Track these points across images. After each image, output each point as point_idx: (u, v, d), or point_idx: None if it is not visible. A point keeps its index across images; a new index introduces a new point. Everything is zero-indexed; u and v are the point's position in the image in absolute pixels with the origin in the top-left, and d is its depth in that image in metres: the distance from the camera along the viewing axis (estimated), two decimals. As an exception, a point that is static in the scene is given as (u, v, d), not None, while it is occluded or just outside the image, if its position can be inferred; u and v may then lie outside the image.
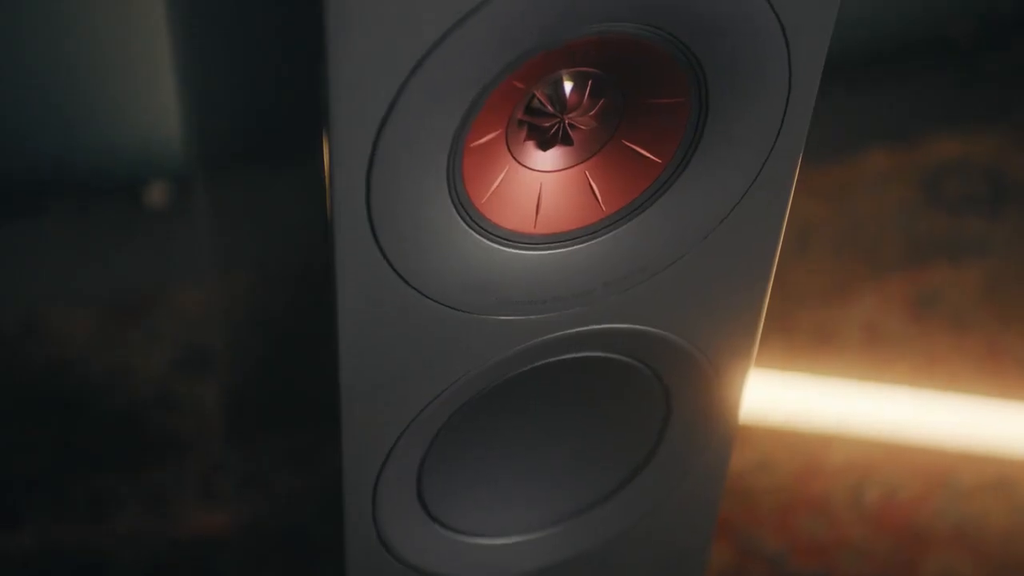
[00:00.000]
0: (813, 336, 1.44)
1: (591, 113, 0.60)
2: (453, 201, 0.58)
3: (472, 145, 0.58)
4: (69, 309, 1.39)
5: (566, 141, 0.60)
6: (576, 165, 0.61)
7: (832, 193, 1.57)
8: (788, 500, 1.30)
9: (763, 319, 0.73)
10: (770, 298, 0.72)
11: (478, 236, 0.60)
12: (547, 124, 0.59)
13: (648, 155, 0.61)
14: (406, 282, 0.60)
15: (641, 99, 0.60)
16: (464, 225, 0.59)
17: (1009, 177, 1.62)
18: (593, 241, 0.63)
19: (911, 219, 1.56)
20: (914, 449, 1.35)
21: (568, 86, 0.59)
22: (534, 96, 0.58)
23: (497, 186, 0.60)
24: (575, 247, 0.63)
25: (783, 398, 1.39)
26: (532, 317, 0.64)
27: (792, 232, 1.50)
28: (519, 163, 0.60)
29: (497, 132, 0.58)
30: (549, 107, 0.59)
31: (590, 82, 0.59)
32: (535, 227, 0.62)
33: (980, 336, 1.45)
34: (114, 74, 1.43)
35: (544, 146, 0.61)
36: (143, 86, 1.44)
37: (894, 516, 1.29)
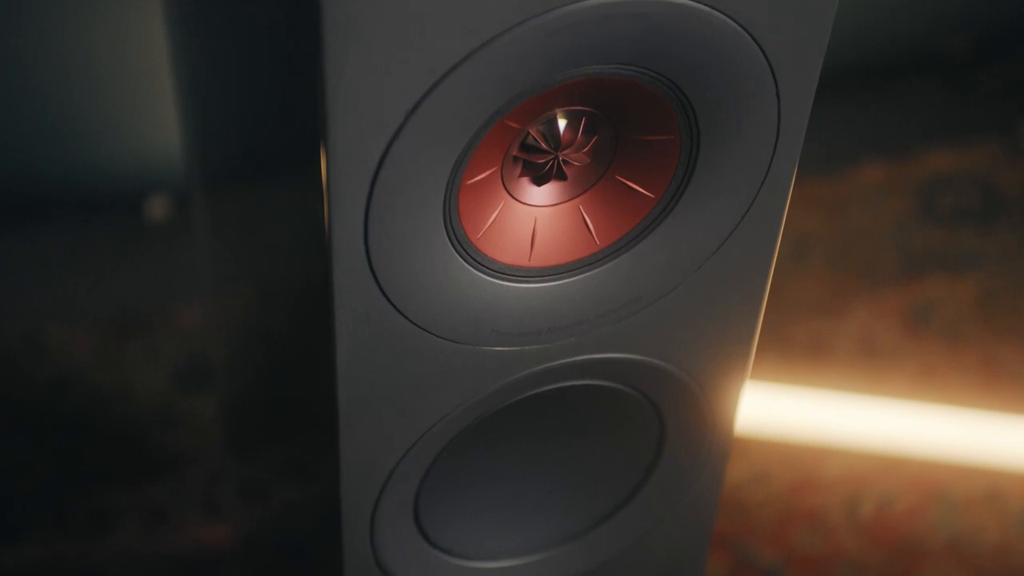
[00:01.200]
0: (808, 349, 1.45)
1: (584, 150, 0.61)
2: (449, 237, 0.60)
3: (468, 183, 0.59)
4: (70, 324, 1.40)
5: (560, 177, 0.62)
6: (570, 200, 0.63)
7: (828, 206, 1.58)
8: (784, 512, 1.31)
9: (755, 344, 0.74)
10: (765, 310, 0.73)
11: (474, 270, 0.61)
12: (541, 161, 0.60)
13: (641, 190, 0.62)
14: (403, 315, 0.61)
15: (633, 136, 0.61)
16: (460, 260, 0.61)
17: (1003, 190, 1.63)
18: (587, 274, 0.64)
19: (906, 232, 1.57)
20: (909, 462, 1.36)
21: (562, 124, 0.60)
22: (528, 134, 0.60)
23: (493, 221, 0.61)
24: (569, 279, 0.64)
25: (779, 411, 1.40)
26: (527, 348, 0.65)
27: (788, 244, 1.51)
28: (514, 198, 0.61)
29: (492, 169, 0.59)
30: (543, 144, 0.60)
31: (583, 120, 0.60)
32: (530, 260, 0.63)
33: (974, 349, 1.45)
34: (115, 90, 1.43)
35: (539, 182, 0.62)
36: (144, 103, 1.44)
37: (889, 529, 1.30)
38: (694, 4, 0.55)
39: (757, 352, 0.74)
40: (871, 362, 1.44)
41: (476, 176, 0.59)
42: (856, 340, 1.46)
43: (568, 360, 0.66)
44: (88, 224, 1.49)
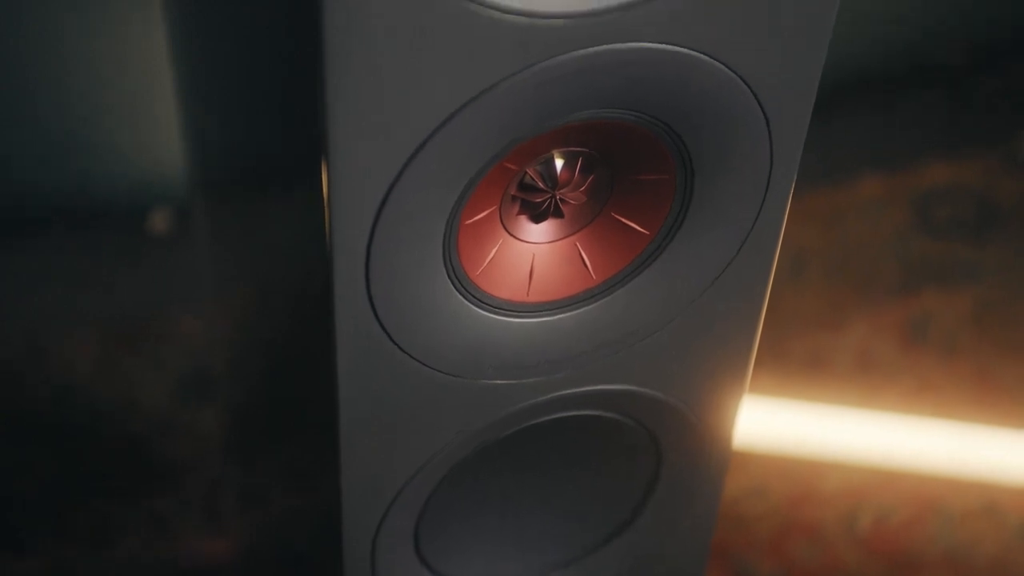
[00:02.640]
0: (807, 362, 1.46)
1: (581, 189, 0.62)
2: (449, 275, 0.61)
3: (467, 222, 0.60)
4: (71, 335, 1.40)
5: (557, 214, 0.63)
6: (567, 236, 0.64)
7: (825, 218, 1.59)
8: (783, 526, 1.32)
9: (751, 370, 0.76)
10: (763, 324, 0.74)
11: (473, 306, 0.62)
12: (539, 199, 0.62)
13: (636, 227, 0.63)
14: (404, 351, 0.62)
15: (629, 175, 0.62)
16: (459, 296, 0.62)
17: (999, 202, 1.63)
18: (584, 308, 0.65)
19: (903, 245, 1.58)
20: (906, 475, 1.36)
21: (559, 164, 0.61)
22: (526, 174, 0.61)
23: (491, 258, 0.62)
24: (566, 314, 0.65)
25: (777, 424, 1.41)
26: (524, 380, 0.66)
27: (786, 258, 1.51)
28: (512, 236, 0.63)
29: (491, 209, 0.61)
30: (541, 184, 0.61)
31: (580, 160, 0.61)
32: (528, 296, 0.64)
33: (971, 362, 1.46)
34: (117, 102, 1.44)
35: (536, 219, 0.63)
36: (146, 115, 1.45)
37: (887, 541, 1.31)
38: (688, 51, 0.56)
39: (755, 366, 0.76)
40: (869, 376, 1.45)
41: (475, 216, 0.60)
42: (854, 354, 1.47)
43: (565, 392, 0.68)
44: (90, 234, 1.50)
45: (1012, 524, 1.32)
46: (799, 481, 1.35)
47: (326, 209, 0.57)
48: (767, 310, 0.73)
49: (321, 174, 0.56)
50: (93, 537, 1.26)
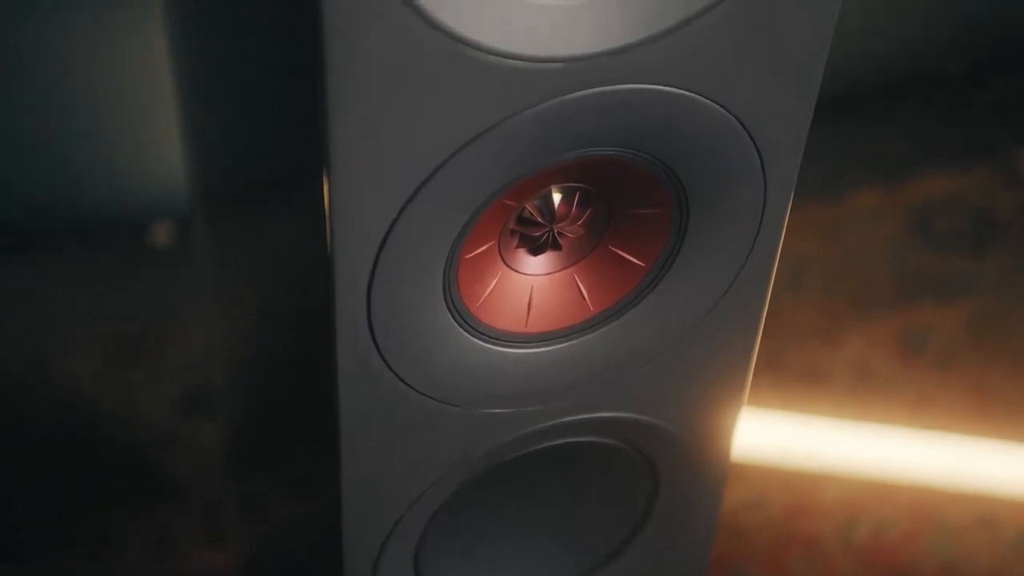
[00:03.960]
0: (803, 375, 1.47)
1: (579, 222, 0.63)
2: (449, 308, 0.62)
3: (467, 257, 0.61)
4: (72, 347, 1.41)
5: (555, 247, 0.64)
6: (565, 268, 0.65)
7: (823, 230, 1.60)
8: (780, 537, 1.33)
9: (746, 395, 0.77)
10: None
11: (472, 338, 0.63)
12: (537, 233, 0.63)
13: (633, 259, 0.65)
14: (404, 381, 0.63)
15: (625, 209, 0.63)
16: (459, 328, 0.63)
17: (997, 215, 1.64)
18: (581, 338, 0.66)
19: (900, 257, 1.58)
20: (903, 487, 1.37)
21: (557, 198, 0.62)
22: (525, 208, 0.62)
23: (491, 291, 0.63)
24: (564, 344, 0.66)
25: (775, 436, 1.41)
26: (523, 409, 0.67)
27: (785, 269, 1.52)
28: (511, 268, 0.64)
29: (490, 243, 0.62)
30: (539, 218, 0.62)
31: (577, 194, 0.62)
32: (526, 326, 0.65)
33: (967, 374, 1.47)
34: (116, 114, 1.44)
35: (535, 252, 0.64)
36: (147, 129, 1.45)
37: (884, 553, 1.32)
38: (682, 92, 0.57)
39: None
40: (866, 388, 1.45)
41: (475, 250, 0.61)
42: (851, 366, 1.47)
43: (563, 420, 0.69)
44: (91, 247, 1.50)
45: (1009, 537, 1.33)
46: (797, 493, 1.36)
47: (329, 244, 0.58)
48: (765, 323, 0.74)
49: (322, 187, 0.57)
50: (95, 548, 1.27)
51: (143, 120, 1.44)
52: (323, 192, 0.56)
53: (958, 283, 1.56)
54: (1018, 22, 1.79)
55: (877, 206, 1.63)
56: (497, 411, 0.67)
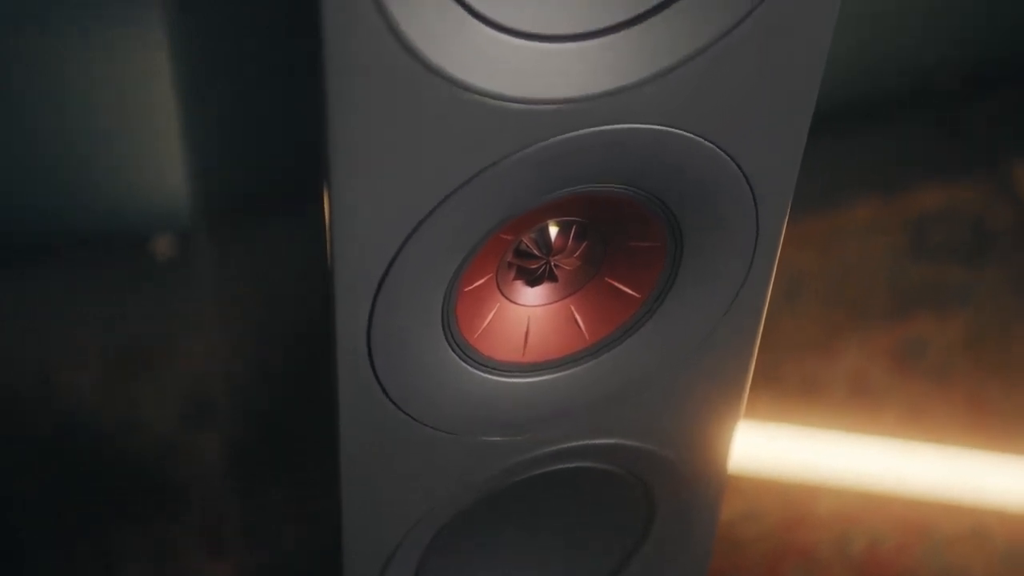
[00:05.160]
0: (801, 387, 1.47)
1: (575, 255, 0.64)
2: (448, 339, 0.63)
3: (465, 290, 0.62)
4: (75, 363, 1.41)
5: (552, 279, 0.65)
6: (561, 300, 0.66)
7: (820, 242, 1.60)
8: (776, 549, 1.34)
9: (741, 415, 0.78)
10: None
11: (471, 368, 0.65)
12: (534, 266, 0.64)
13: (628, 291, 0.66)
14: (404, 411, 0.65)
15: (621, 242, 0.65)
16: (458, 360, 0.64)
17: (992, 228, 1.65)
18: (578, 367, 0.67)
19: (896, 269, 1.59)
20: (898, 499, 1.38)
21: (553, 231, 0.63)
22: (522, 241, 0.63)
23: (489, 322, 0.64)
24: (561, 373, 0.67)
25: (772, 448, 1.42)
26: (520, 437, 0.68)
27: (782, 281, 1.53)
28: (508, 300, 0.65)
29: (488, 276, 0.63)
30: (536, 251, 0.63)
31: (573, 228, 0.63)
32: (524, 356, 0.66)
33: (963, 387, 1.47)
34: (119, 129, 1.44)
35: (532, 283, 0.65)
36: (148, 141, 1.45)
37: (880, 565, 1.33)
38: (676, 131, 0.58)
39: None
40: (862, 400, 1.46)
41: (473, 284, 0.63)
42: (847, 378, 1.48)
43: (560, 447, 0.70)
44: (92, 261, 1.50)
45: (1001, 548, 1.34)
46: (793, 505, 1.37)
47: (330, 277, 0.59)
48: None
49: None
50: (97, 561, 1.27)
51: (145, 133, 1.45)
52: (324, 206, 0.57)
53: (954, 295, 1.56)
54: (1013, 35, 1.80)
55: (873, 218, 1.63)
56: (496, 439, 0.68)
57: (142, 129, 1.44)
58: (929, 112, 1.76)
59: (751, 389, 0.77)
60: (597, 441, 0.71)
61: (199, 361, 1.43)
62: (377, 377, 0.62)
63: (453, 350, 0.64)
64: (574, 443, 0.70)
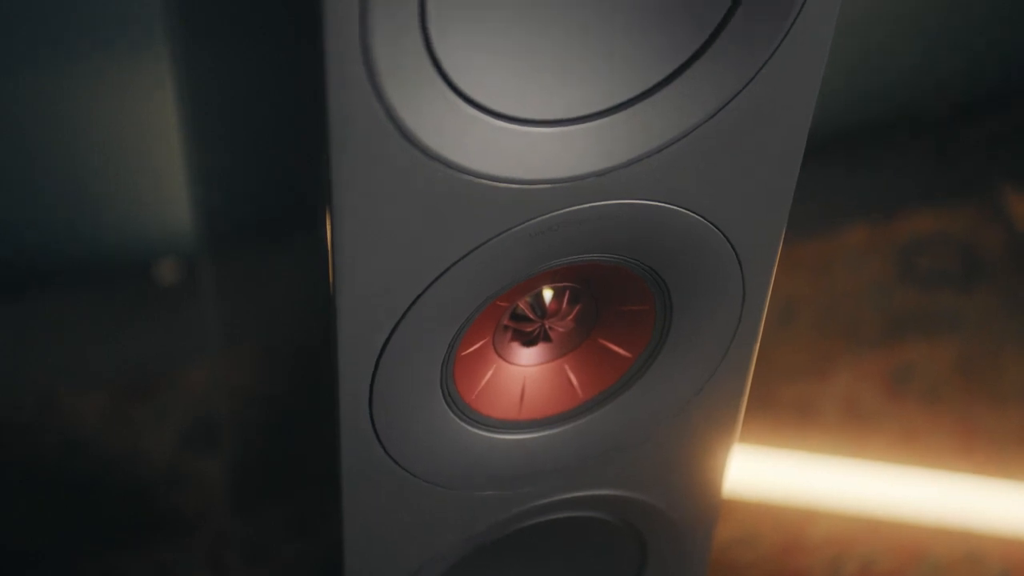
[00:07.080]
0: (794, 411, 1.48)
1: (569, 318, 0.67)
2: (446, 400, 0.66)
3: (463, 354, 0.65)
4: (79, 388, 1.42)
5: (546, 340, 0.68)
6: (556, 360, 0.69)
7: (811, 268, 1.61)
8: (771, 574, 1.35)
9: (728, 473, 0.80)
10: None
11: (469, 427, 0.67)
12: (529, 328, 0.67)
13: (620, 351, 0.68)
14: (404, 468, 0.67)
15: (613, 306, 0.67)
16: (456, 419, 0.67)
17: (983, 253, 1.66)
18: (572, 424, 0.70)
19: (887, 294, 1.60)
20: (890, 523, 1.39)
21: (548, 296, 0.66)
22: (517, 306, 0.66)
23: (486, 383, 0.67)
24: (556, 430, 0.70)
25: (766, 473, 1.43)
26: (517, 491, 0.71)
27: (775, 306, 1.54)
28: (505, 360, 0.68)
29: (485, 340, 0.66)
30: (531, 315, 0.66)
31: (567, 292, 0.66)
32: (519, 414, 0.69)
33: (954, 411, 1.48)
34: (122, 154, 1.45)
35: (527, 344, 0.68)
36: (153, 168, 1.46)
37: (872, 589, 1.34)
38: (663, 205, 0.61)
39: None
40: (854, 425, 1.47)
41: (470, 347, 0.65)
42: (840, 403, 1.49)
43: (554, 499, 0.73)
44: (96, 287, 1.50)
45: (994, 572, 1.35)
46: (787, 529, 1.38)
47: (333, 346, 0.61)
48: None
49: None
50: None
51: (149, 160, 1.45)
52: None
53: (946, 320, 1.57)
54: (1004, 61, 1.81)
55: (865, 243, 1.64)
56: (493, 493, 0.70)
57: (146, 155, 1.45)
58: (921, 138, 1.77)
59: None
60: (589, 493, 0.73)
61: (203, 386, 1.44)
62: (378, 436, 0.65)
63: (451, 410, 0.66)
64: (567, 495, 0.73)
